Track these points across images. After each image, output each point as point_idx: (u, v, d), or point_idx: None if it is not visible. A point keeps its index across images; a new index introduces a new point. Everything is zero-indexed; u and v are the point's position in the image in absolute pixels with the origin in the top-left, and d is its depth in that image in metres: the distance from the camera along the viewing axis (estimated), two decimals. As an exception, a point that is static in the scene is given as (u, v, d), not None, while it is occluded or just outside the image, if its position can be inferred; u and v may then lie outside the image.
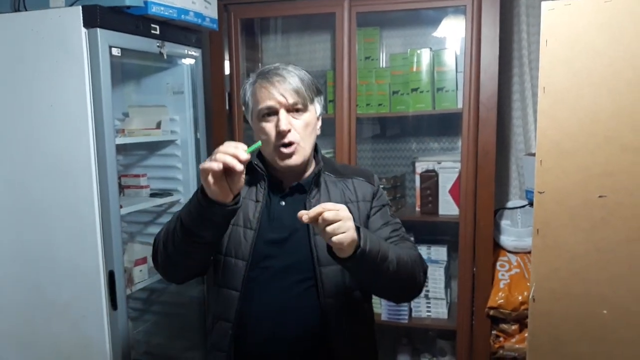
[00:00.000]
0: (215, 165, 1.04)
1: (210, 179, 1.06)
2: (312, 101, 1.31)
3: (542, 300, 1.19)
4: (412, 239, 1.46)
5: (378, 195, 1.41)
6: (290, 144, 1.27)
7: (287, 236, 1.32)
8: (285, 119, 1.25)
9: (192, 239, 1.18)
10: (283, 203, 1.34)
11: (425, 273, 1.33)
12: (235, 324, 1.31)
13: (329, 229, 1.04)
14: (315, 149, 1.39)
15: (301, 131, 1.28)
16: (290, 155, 1.28)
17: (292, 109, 1.27)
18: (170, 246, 1.24)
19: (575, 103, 1.13)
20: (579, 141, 1.14)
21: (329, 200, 1.31)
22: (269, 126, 1.28)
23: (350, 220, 1.07)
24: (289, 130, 1.26)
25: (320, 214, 1.04)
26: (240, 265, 1.31)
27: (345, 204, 1.28)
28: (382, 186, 2.31)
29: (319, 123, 1.38)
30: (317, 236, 1.27)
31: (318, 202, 1.28)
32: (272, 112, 1.27)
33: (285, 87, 1.25)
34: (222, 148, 1.07)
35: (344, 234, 1.04)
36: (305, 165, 1.35)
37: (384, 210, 1.40)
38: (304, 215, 1.05)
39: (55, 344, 1.78)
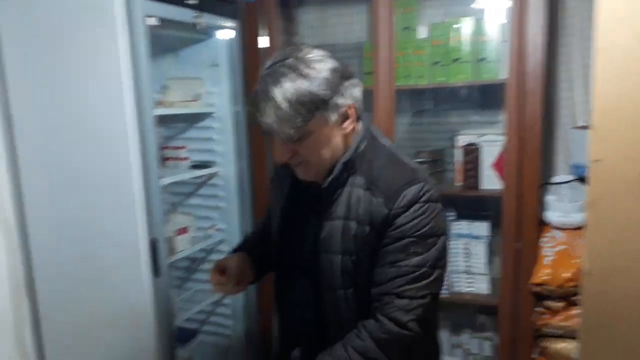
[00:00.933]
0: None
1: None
2: (310, 119, 1.06)
3: (597, 277, 1.13)
4: (422, 291, 1.10)
5: (397, 223, 1.10)
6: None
7: (300, 238, 1.24)
8: (279, 151, 1.12)
9: None
10: (306, 201, 1.24)
11: (406, 347, 1.13)
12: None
13: None
14: (363, 131, 1.19)
15: (305, 154, 1.12)
16: (299, 172, 1.17)
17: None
18: None
19: (636, 64, 1.06)
20: (639, 106, 1.07)
21: (345, 213, 1.13)
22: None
23: None
24: (288, 159, 1.13)
25: None
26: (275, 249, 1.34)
27: (357, 221, 1.13)
28: (420, 160, 2.29)
29: (349, 121, 1.14)
30: (322, 254, 1.16)
31: (332, 215, 1.15)
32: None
33: (264, 123, 1.06)
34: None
35: None
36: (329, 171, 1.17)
37: (400, 245, 1.10)
38: None
39: (102, 308, 1.83)
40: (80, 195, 1.80)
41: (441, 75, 2.24)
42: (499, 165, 2.19)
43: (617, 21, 1.08)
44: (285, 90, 1.03)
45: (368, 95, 2.26)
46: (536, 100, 2.02)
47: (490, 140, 2.23)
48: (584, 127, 2.19)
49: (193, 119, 2.27)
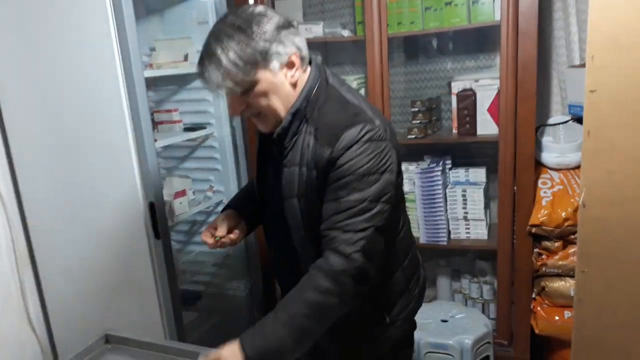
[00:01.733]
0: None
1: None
2: (252, 70, 1.12)
3: (594, 206, 1.14)
4: (364, 224, 1.13)
5: (339, 163, 1.14)
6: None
7: (270, 185, 1.32)
8: (232, 105, 1.20)
9: None
10: (274, 148, 1.27)
11: (357, 277, 1.13)
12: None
13: None
14: (316, 81, 1.22)
15: (255, 104, 1.18)
16: (258, 124, 1.25)
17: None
18: None
19: (632, -9, 1.03)
20: (636, 34, 1.05)
21: (300, 159, 1.19)
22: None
23: None
24: (242, 112, 1.20)
25: None
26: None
27: (306, 166, 1.19)
28: (416, 109, 2.27)
29: (294, 70, 1.18)
30: (285, 200, 1.24)
31: (289, 162, 1.21)
32: None
33: (208, 80, 1.13)
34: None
35: None
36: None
37: (342, 183, 1.14)
38: None
39: (104, 274, 1.85)
40: (74, 162, 1.79)
41: (434, 20, 2.20)
42: (495, 110, 2.17)
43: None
44: (225, 46, 1.10)
45: (360, 45, 2.24)
46: (531, 40, 1.98)
47: (485, 84, 2.21)
48: (580, 66, 2.17)
49: (183, 81, 2.23)
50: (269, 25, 1.13)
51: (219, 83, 1.12)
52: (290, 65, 1.17)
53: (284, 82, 1.18)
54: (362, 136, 1.13)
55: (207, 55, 1.12)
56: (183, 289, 2.12)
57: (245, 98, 1.16)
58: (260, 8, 1.16)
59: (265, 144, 1.32)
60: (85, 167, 1.78)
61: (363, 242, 1.12)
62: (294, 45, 1.17)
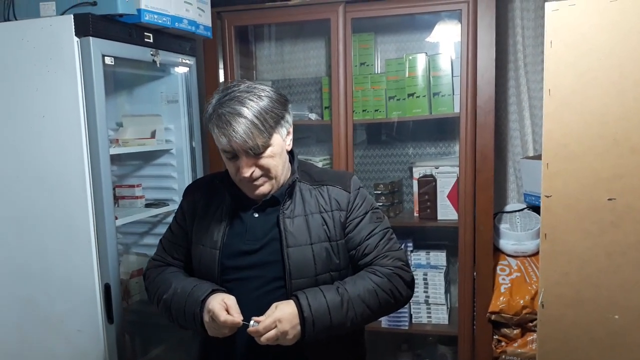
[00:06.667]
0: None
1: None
2: (272, 133, 1.24)
3: (552, 306, 1.17)
4: (398, 245, 1.38)
5: (357, 203, 1.34)
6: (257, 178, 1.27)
7: (259, 248, 1.31)
8: (246, 166, 1.24)
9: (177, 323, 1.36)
10: (256, 215, 1.33)
11: (409, 283, 1.33)
12: (206, 341, 1.35)
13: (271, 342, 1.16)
14: (292, 155, 1.38)
15: (266, 165, 1.26)
16: (258, 187, 1.29)
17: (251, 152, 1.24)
18: (157, 307, 1.40)
19: (582, 105, 1.12)
20: (587, 144, 1.12)
21: (304, 210, 1.31)
22: (233, 165, 1.27)
23: (290, 325, 1.16)
24: (252, 174, 1.25)
25: (259, 333, 1.15)
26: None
27: (319, 213, 1.31)
28: (379, 192, 2.34)
29: (290, 137, 1.33)
30: (290, 248, 1.27)
31: (292, 213, 1.30)
32: (233, 155, 1.25)
33: (237, 138, 1.19)
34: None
35: (286, 341, 1.17)
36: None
37: (367, 219, 1.34)
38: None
39: (50, 359, 1.73)
40: (28, 239, 1.72)
41: (397, 109, 2.30)
42: (454, 196, 2.24)
43: (564, 63, 1.14)
44: (252, 108, 1.20)
45: (327, 128, 2.31)
46: (488, 132, 2.09)
47: (445, 171, 2.29)
48: (534, 158, 2.28)
49: (149, 156, 2.21)
50: (279, 97, 1.27)
51: (245, 141, 1.18)
52: (289, 133, 1.32)
53: (284, 148, 1.30)
54: (359, 182, 1.40)
55: (233, 117, 1.19)
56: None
57: (256, 160, 1.24)
58: (260, 84, 1.29)
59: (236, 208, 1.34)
60: (40, 245, 1.70)
61: (404, 254, 1.36)
62: (292, 117, 1.34)
